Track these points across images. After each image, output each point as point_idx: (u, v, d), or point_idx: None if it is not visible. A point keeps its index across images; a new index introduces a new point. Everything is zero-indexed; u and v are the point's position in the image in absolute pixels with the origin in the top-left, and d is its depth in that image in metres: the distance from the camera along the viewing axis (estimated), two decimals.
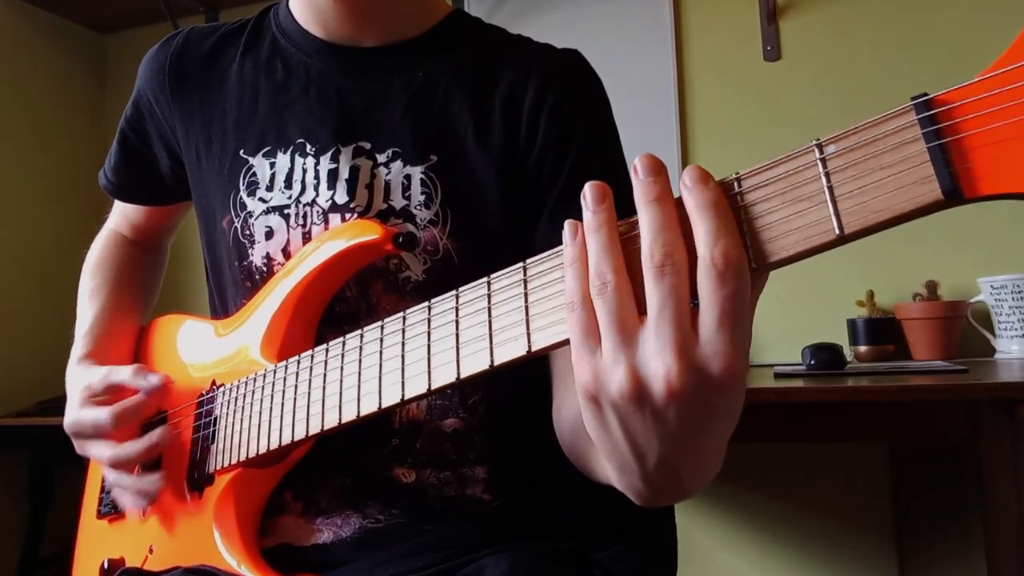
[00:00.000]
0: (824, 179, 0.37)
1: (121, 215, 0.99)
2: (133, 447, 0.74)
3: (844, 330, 1.78)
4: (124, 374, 0.77)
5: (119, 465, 0.75)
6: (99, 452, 0.76)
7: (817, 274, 1.88)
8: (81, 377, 0.80)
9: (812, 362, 1.51)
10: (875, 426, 1.35)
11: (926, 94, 0.34)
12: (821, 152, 0.37)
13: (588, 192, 0.42)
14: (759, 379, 1.49)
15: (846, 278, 1.85)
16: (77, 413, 0.77)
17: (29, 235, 2.42)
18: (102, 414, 0.74)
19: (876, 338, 1.73)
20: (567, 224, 0.43)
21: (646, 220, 0.40)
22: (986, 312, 1.69)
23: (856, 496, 1.89)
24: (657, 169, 0.41)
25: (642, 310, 0.40)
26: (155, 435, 0.74)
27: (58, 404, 2.19)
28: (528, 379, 0.73)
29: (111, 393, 0.78)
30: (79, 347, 0.85)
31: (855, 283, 1.82)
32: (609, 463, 0.45)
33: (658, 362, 0.39)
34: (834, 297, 1.86)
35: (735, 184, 0.39)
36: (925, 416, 1.28)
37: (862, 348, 1.74)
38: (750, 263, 0.38)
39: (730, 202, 0.39)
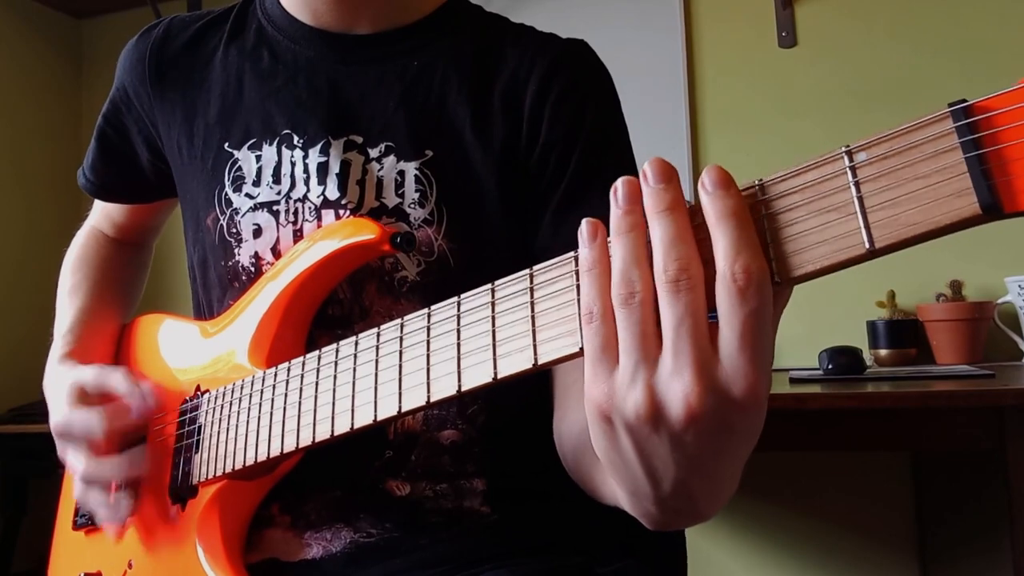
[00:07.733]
0: (854, 189, 0.36)
1: (103, 213, 0.98)
2: (108, 465, 0.72)
3: (864, 332, 1.78)
4: (116, 381, 0.75)
5: (91, 481, 0.73)
6: (74, 462, 0.75)
7: (835, 274, 1.87)
8: (67, 375, 0.79)
9: (830, 366, 1.51)
10: (896, 434, 1.35)
11: (964, 100, 0.33)
12: (851, 160, 0.36)
13: (620, 188, 0.41)
14: (774, 385, 1.47)
15: (866, 278, 1.84)
16: (68, 413, 0.75)
17: (0, 235, 2.41)
18: (94, 419, 0.72)
19: (897, 341, 1.74)
20: (586, 223, 0.42)
21: (658, 231, 0.39)
22: (1014, 313, 1.69)
23: (877, 509, 1.90)
24: (668, 175, 0.40)
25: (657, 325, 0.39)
26: (135, 456, 0.72)
27: (31, 411, 2.18)
28: (529, 387, 0.73)
29: (104, 394, 0.77)
30: (59, 346, 0.84)
31: (875, 283, 1.82)
32: (620, 486, 0.45)
33: (677, 383, 0.38)
34: (853, 298, 1.86)
35: (758, 191, 0.39)
36: (949, 424, 1.28)
37: (883, 352, 1.74)
38: (773, 277, 0.38)
39: (752, 210, 0.38)
